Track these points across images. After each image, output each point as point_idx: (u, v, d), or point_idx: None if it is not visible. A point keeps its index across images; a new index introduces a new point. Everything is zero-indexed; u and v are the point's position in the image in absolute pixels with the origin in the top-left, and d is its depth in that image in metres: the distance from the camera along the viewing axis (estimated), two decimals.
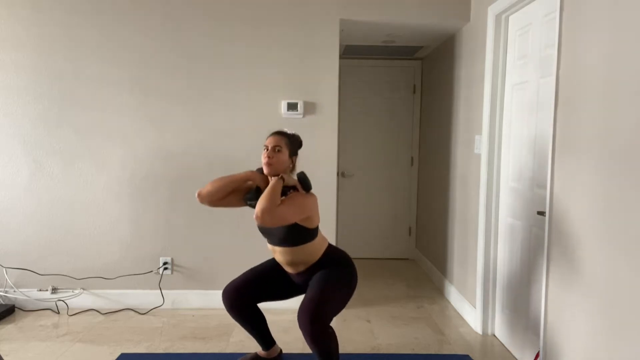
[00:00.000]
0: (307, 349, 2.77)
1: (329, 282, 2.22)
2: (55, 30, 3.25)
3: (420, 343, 2.89)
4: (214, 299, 3.40)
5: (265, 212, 2.05)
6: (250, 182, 2.34)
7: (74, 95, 3.28)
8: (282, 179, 2.20)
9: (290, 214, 2.14)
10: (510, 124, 2.83)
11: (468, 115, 3.35)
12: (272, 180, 2.20)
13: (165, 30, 3.27)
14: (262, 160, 2.26)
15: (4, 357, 2.61)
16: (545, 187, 2.39)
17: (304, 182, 2.25)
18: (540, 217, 2.46)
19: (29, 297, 3.36)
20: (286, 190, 2.25)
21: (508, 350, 2.81)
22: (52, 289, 3.37)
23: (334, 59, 3.30)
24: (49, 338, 2.90)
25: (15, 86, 3.27)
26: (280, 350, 2.64)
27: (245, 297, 2.41)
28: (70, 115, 3.29)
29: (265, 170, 2.26)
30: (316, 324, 2.10)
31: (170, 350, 2.74)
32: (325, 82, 3.31)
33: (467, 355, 2.73)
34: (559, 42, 2.14)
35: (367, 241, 4.96)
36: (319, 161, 3.31)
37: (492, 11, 2.90)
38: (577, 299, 1.99)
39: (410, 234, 4.99)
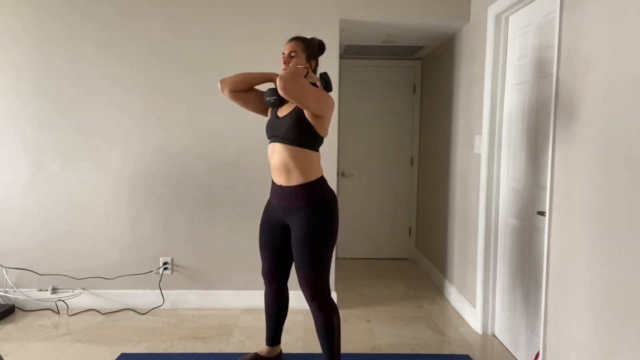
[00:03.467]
0: (307, 349, 2.77)
1: (313, 248, 2.20)
2: (55, 30, 3.25)
3: (420, 343, 2.89)
4: (214, 299, 3.41)
5: (289, 74, 2.04)
6: (272, 85, 2.37)
7: (74, 95, 3.29)
8: (307, 69, 2.20)
9: (310, 92, 2.10)
10: (510, 124, 2.83)
11: (468, 115, 3.35)
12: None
13: (165, 30, 3.27)
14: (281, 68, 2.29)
15: (4, 357, 2.61)
16: (545, 187, 2.39)
17: (327, 81, 2.25)
18: (540, 217, 2.46)
19: (29, 297, 3.36)
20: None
21: (508, 350, 2.81)
22: (52, 289, 3.37)
23: (334, 59, 3.30)
24: (49, 338, 2.90)
25: (15, 86, 3.27)
26: (281, 350, 2.64)
27: (282, 275, 2.48)
28: (70, 115, 3.29)
29: None
30: (318, 297, 2.22)
31: (170, 350, 2.75)
32: None
33: (467, 355, 2.73)
34: (559, 42, 2.14)
35: (367, 241, 4.96)
36: None
37: (492, 11, 2.90)
38: (577, 298, 1.99)
39: (410, 234, 4.99)
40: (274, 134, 2.29)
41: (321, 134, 2.25)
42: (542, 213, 2.37)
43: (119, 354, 2.68)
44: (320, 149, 3.36)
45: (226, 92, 2.35)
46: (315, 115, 2.19)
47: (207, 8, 3.27)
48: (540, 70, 2.47)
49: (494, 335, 3.02)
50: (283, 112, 2.32)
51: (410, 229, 4.98)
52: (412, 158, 4.93)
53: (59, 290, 3.39)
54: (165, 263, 3.39)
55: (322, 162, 3.31)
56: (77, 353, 2.70)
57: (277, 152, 2.27)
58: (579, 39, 2.00)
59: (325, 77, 2.26)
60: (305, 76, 2.19)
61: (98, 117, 3.30)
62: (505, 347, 2.85)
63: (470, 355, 2.74)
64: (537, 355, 2.30)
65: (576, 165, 2.01)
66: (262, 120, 3.29)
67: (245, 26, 3.29)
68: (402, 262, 4.89)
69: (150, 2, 3.25)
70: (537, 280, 2.50)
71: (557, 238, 2.15)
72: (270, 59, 3.28)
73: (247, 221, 3.37)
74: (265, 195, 3.28)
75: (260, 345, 2.82)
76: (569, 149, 2.06)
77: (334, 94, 3.32)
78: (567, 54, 2.09)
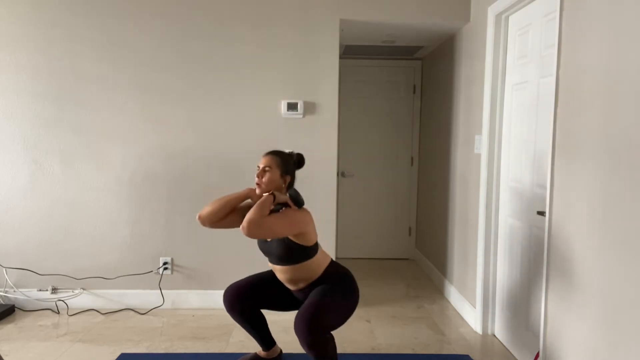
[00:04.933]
0: None
1: (329, 293, 2.22)
2: (55, 30, 3.25)
3: (420, 343, 2.89)
4: (214, 299, 3.41)
5: (252, 222, 2.05)
6: (249, 201, 2.37)
7: (74, 95, 3.29)
8: (273, 195, 2.20)
9: (279, 226, 2.13)
10: (510, 124, 2.83)
11: (468, 115, 3.35)
12: (263, 196, 2.20)
13: (165, 30, 3.27)
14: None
15: (4, 357, 2.61)
16: (545, 187, 2.39)
17: (295, 199, 2.25)
18: (540, 217, 2.46)
19: (29, 297, 3.36)
20: (279, 208, 2.26)
21: (508, 350, 2.81)
22: (52, 289, 3.37)
23: (334, 59, 3.30)
24: (49, 338, 2.90)
25: (15, 86, 3.27)
26: (280, 350, 2.64)
27: (246, 300, 2.43)
28: (70, 115, 3.29)
29: (256, 191, 2.28)
30: (313, 332, 2.09)
31: (170, 350, 2.75)
32: (325, 82, 3.31)
33: (467, 355, 2.73)
34: (559, 42, 2.14)
35: (367, 241, 4.96)
36: (319, 161, 3.31)
37: (492, 11, 2.90)
38: (577, 298, 1.99)
39: (410, 234, 4.99)
40: (267, 255, 2.35)
41: (309, 244, 2.26)
42: (542, 213, 2.37)
43: (119, 354, 2.68)
44: (321, 149, 3.37)
45: (207, 225, 2.32)
46: (296, 234, 2.20)
47: (207, 8, 3.27)
48: (540, 70, 2.47)
49: (494, 335, 3.02)
50: None
51: (410, 229, 4.98)
52: (412, 158, 4.93)
53: (59, 290, 3.39)
54: (165, 263, 3.39)
55: (322, 162, 3.33)
56: (77, 353, 2.70)
57: (278, 271, 2.35)
58: (579, 39, 2.00)
59: (293, 195, 2.25)
60: (273, 202, 2.18)
61: (98, 117, 3.30)
62: (505, 347, 2.85)
63: (470, 355, 2.74)
64: (537, 355, 2.30)
65: (576, 165, 2.01)
66: (262, 121, 3.31)
67: (245, 26, 3.28)
68: (402, 262, 4.89)
69: (150, 2, 3.25)
70: (537, 280, 2.50)
71: (557, 238, 2.15)
72: (270, 59, 3.28)
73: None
74: None
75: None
76: (568, 149, 2.06)
77: (334, 95, 3.32)
78: (566, 54, 2.09)
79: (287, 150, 2.39)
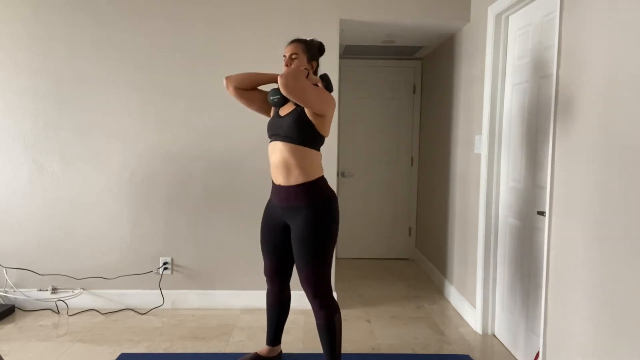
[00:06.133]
0: (307, 349, 2.77)
1: (314, 248, 2.20)
2: (55, 30, 3.25)
3: (420, 343, 2.89)
4: (214, 299, 3.41)
5: (289, 73, 2.05)
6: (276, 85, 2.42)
7: (74, 95, 3.29)
8: (307, 70, 2.22)
9: (312, 92, 2.11)
10: (510, 124, 2.83)
11: (468, 115, 3.35)
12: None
13: (165, 30, 3.27)
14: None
15: (4, 357, 2.62)
16: (545, 187, 2.39)
17: (328, 81, 2.27)
18: (540, 217, 2.46)
19: (29, 297, 3.36)
20: None
21: (508, 350, 2.81)
22: (52, 289, 3.37)
23: (334, 59, 3.30)
24: (49, 338, 2.90)
25: (15, 86, 3.27)
26: (281, 350, 2.64)
27: (285, 274, 2.48)
28: (70, 115, 3.29)
29: None
30: (319, 296, 2.23)
31: (170, 350, 2.75)
32: None
33: (467, 355, 2.73)
34: (559, 42, 2.14)
35: (367, 241, 4.96)
36: None
37: (492, 11, 2.90)
38: (577, 298, 2.00)
39: (410, 234, 4.99)
40: (275, 133, 2.30)
41: (322, 133, 2.26)
42: (542, 213, 2.37)
43: (119, 354, 2.68)
44: (321, 149, 3.36)
45: (231, 89, 2.37)
46: (316, 114, 2.20)
47: (207, 8, 3.27)
48: (540, 70, 2.47)
49: (494, 335, 3.02)
50: (285, 111, 2.33)
51: (410, 229, 4.98)
52: (412, 158, 4.93)
53: (59, 290, 3.39)
54: (165, 263, 3.39)
55: (322, 162, 3.32)
56: (77, 353, 2.70)
57: (277, 150, 2.27)
58: (579, 39, 2.00)
59: (326, 78, 2.29)
60: (306, 77, 2.19)
61: (98, 117, 3.30)
62: (505, 347, 2.85)
63: (470, 355, 2.74)
64: (537, 355, 2.31)
65: (576, 165, 2.01)
66: (262, 120, 3.30)
67: (245, 26, 3.28)
68: (402, 262, 4.89)
69: (150, 2, 3.25)
70: (537, 280, 2.50)
71: (557, 238, 2.15)
72: (270, 59, 3.28)
73: (247, 221, 3.37)
74: (265, 195, 3.29)
75: (260, 345, 2.82)
76: (568, 148, 2.06)
77: (334, 94, 3.32)
78: (567, 54, 2.09)
79: (308, 38, 2.40)
